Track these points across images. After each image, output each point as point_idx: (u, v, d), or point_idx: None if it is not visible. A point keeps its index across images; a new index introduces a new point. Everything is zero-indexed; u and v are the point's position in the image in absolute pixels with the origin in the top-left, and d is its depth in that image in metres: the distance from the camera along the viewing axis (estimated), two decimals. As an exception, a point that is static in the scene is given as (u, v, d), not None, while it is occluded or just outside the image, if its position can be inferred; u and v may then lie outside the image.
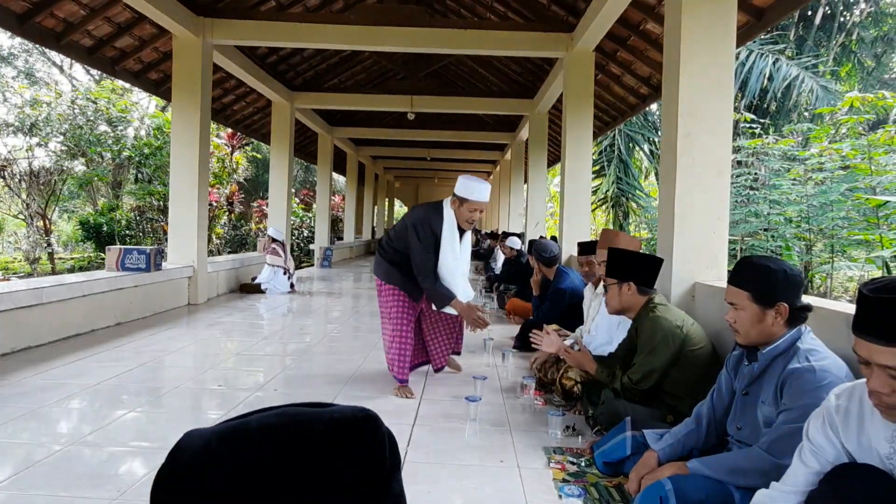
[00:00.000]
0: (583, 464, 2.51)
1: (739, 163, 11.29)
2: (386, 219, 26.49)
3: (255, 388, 3.61)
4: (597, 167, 15.81)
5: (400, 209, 31.97)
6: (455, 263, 3.46)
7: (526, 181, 11.31)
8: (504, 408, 3.32)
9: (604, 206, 16.04)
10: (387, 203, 26.48)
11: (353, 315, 6.80)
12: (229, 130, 13.89)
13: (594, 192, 15.96)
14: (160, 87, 8.32)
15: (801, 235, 9.23)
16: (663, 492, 1.84)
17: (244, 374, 4.02)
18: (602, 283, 4.06)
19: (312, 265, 13.93)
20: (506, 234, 8.71)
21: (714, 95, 3.42)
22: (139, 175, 14.72)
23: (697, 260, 3.39)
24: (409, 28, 7.07)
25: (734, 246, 9.24)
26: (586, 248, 4.17)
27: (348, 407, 0.59)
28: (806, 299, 1.95)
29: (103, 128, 13.62)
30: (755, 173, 10.85)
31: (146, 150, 13.37)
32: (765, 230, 9.77)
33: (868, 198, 5.88)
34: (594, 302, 4.17)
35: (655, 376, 2.64)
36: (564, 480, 2.38)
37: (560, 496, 2.25)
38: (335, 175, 21.44)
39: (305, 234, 18.09)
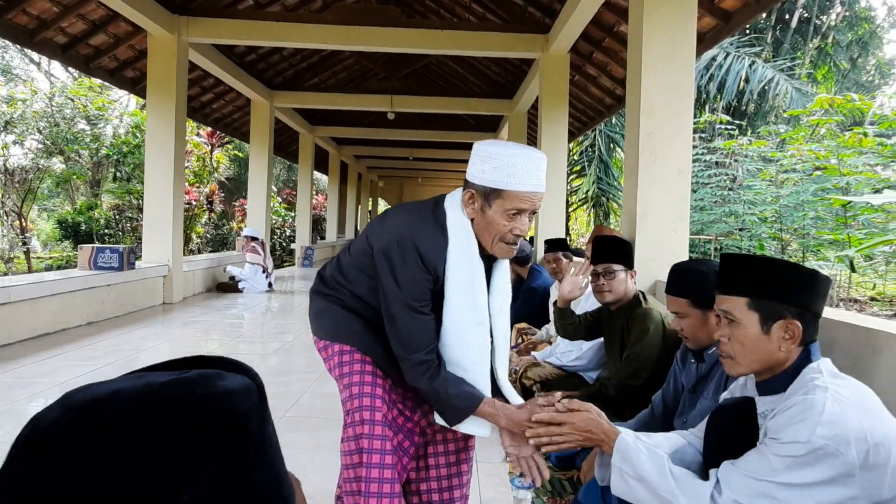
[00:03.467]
0: (539, 457, 2.56)
1: (716, 163, 11.46)
2: (369, 218, 26.47)
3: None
4: (577, 167, 15.93)
5: (384, 208, 31.94)
6: (476, 328, 1.71)
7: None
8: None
9: (585, 206, 16.17)
10: (370, 202, 26.46)
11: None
12: (209, 128, 13.80)
13: (574, 193, 16.08)
14: (137, 84, 8.27)
15: (775, 235, 9.39)
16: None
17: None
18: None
19: (294, 265, 13.90)
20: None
21: (675, 96, 3.49)
22: (118, 173, 14.59)
23: (658, 258, 3.46)
24: (387, 28, 7.09)
25: (708, 245, 9.38)
26: (553, 246, 4.21)
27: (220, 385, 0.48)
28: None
29: (82, 125, 13.49)
30: (733, 174, 11.02)
31: (125, 149, 13.25)
32: (740, 230, 9.94)
33: (834, 198, 6.01)
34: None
35: (647, 371, 2.62)
36: (521, 474, 2.43)
37: (511, 488, 2.29)
38: (319, 174, 21.41)
39: (288, 234, 18.03)
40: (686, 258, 3.50)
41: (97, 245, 6.09)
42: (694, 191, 12.12)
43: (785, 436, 1.22)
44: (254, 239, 8.10)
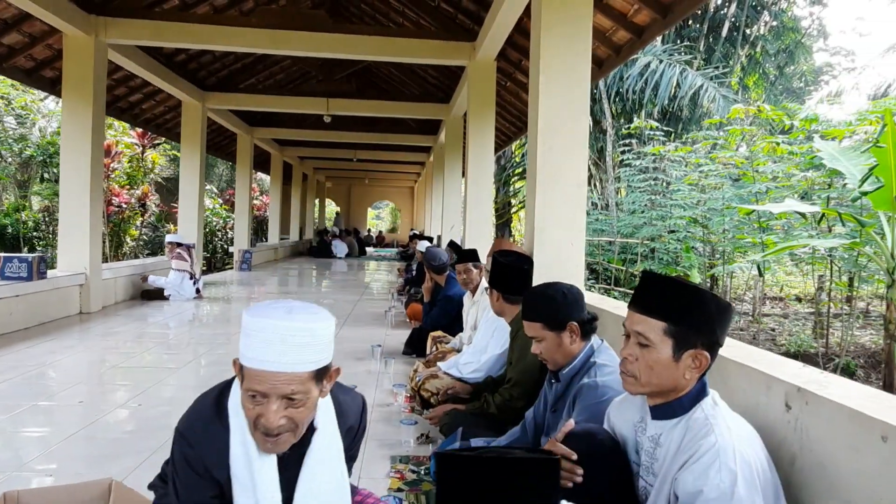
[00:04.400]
0: (422, 472, 2.61)
1: (654, 168, 11.81)
2: (316, 218, 26.16)
3: (117, 405, 3.53)
4: (519, 170, 16.15)
5: (331, 208, 31.60)
6: None
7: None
8: (371, 416, 3.38)
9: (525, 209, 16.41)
10: (317, 203, 26.15)
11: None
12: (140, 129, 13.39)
13: (515, 195, 16.30)
14: (56, 85, 7.92)
15: (703, 239, 9.76)
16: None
17: (117, 388, 3.92)
18: (481, 290, 4.21)
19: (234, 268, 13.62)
20: (417, 236, 8.79)
21: (571, 112, 3.59)
22: (45, 174, 14.00)
23: (556, 270, 3.55)
24: (315, 33, 7.03)
25: (636, 249, 9.66)
26: (464, 257, 4.28)
27: None
28: (591, 310, 2.12)
29: (10, 123, 12.89)
30: (666, 179, 11.38)
31: (51, 149, 12.72)
32: (670, 232, 10.28)
33: (738, 207, 6.30)
34: (472, 309, 4.30)
35: (527, 391, 2.70)
36: (399, 489, 2.47)
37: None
38: (264, 175, 21.00)
39: (230, 236, 17.64)
40: (582, 271, 3.61)
41: (4, 254, 5.82)
42: (626, 195, 12.47)
43: (709, 490, 1.23)
44: (179, 245, 7.90)
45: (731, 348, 1.86)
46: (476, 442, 2.36)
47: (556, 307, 2.04)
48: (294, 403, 1.27)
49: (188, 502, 1.35)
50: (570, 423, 1.52)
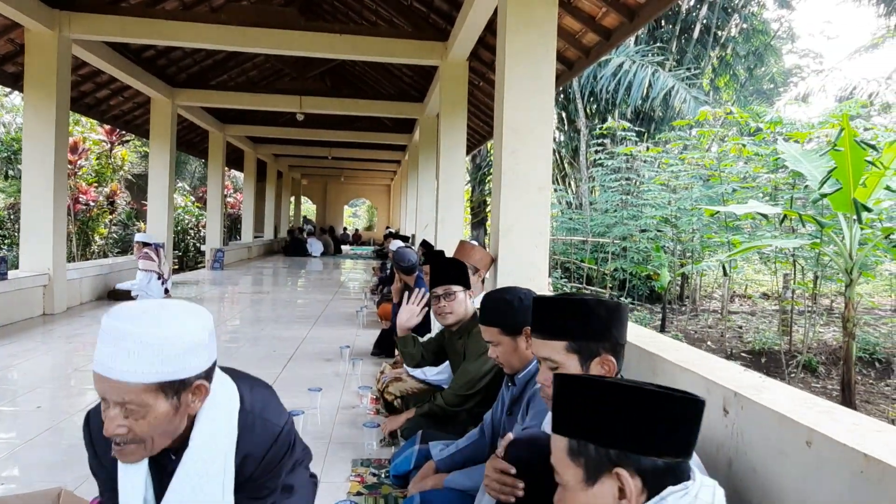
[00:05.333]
0: (382, 475, 2.62)
1: (627, 168, 11.94)
2: (291, 216, 25.94)
3: (77, 410, 3.48)
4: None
5: (307, 206, 31.40)
6: None
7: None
8: (335, 419, 3.39)
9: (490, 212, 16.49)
10: (292, 200, 25.93)
11: (227, 322, 6.64)
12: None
13: (490, 194, 16.33)
14: (19, 80, 7.73)
15: (673, 238, 9.91)
16: None
17: (77, 392, 3.85)
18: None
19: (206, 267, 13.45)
20: (392, 235, 8.78)
21: (536, 115, 3.62)
22: (10, 171, 13.67)
23: (520, 272, 3.59)
24: (285, 31, 6.97)
25: (608, 248, 9.77)
26: (430, 257, 4.28)
27: None
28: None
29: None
30: (638, 180, 11.52)
31: (16, 146, 12.42)
32: (642, 231, 10.42)
33: (704, 207, 6.42)
34: (440, 310, 4.30)
35: (482, 381, 2.75)
36: (359, 493, 2.48)
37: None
38: (238, 172, 20.76)
39: (203, 234, 17.42)
40: (546, 274, 3.65)
41: (-37, 255, 5.69)
42: (599, 195, 12.61)
43: None
44: (146, 244, 7.77)
45: (676, 352, 1.91)
46: (435, 445, 2.38)
47: (513, 312, 2.06)
48: (133, 414, 1.18)
49: (100, 484, 1.39)
50: (509, 437, 1.51)
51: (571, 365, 1.40)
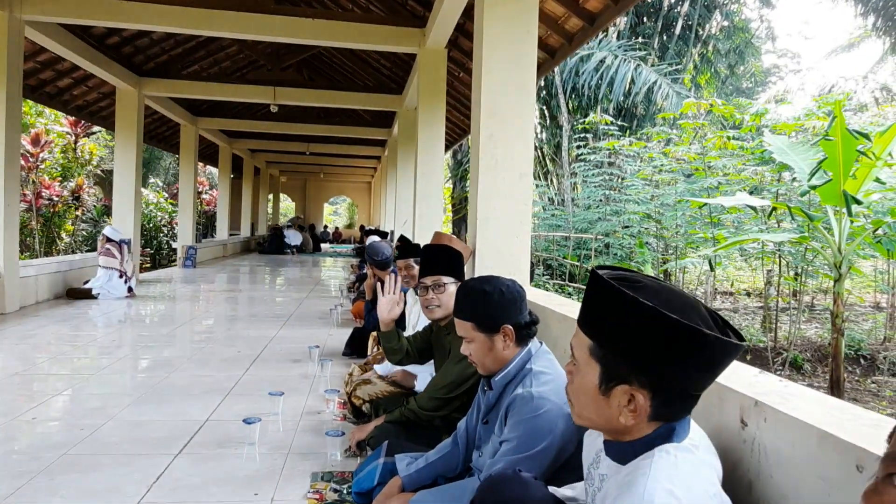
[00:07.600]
0: (344, 491, 2.33)
1: (609, 163, 11.77)
2: (270, 214, 25.44)
3: (10, 418, 3.13)
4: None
5: (286, 204, 30.88)
6: None
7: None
8: (297, 426, 3.09)
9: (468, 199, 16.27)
10: (271, 198, 25.43)
11: (193, 321, 6.28)
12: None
13: (472, 190, 16.10)
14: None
15: (656, 234, 9.74)
16: None
17: (14, 399, 3.50)
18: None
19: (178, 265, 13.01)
20: (368, 231, 8.48)
21: (516, 98, 3.36)
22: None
23: (500, 263, 3.33)
24: (252, 14, 6.63)
25: (589, 245, 9.58)
26: (405, 252, 4.00)
27: None
28: (533, 309, 1.87)
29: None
30: (621, 174, 11.35)
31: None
32: (625, 227, 10.24)
33: (692, 200, 6.23)
34: (415, 308, 4.02)
35: (464, 386, 2.47)
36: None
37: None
38: (214, 168, 20.22)
39: (176, 231, 16.92)
40: (528, 264, 3.39)
41: None
42: (581, 191, 12.42)
43: None
44: (110, 240, 7.38)
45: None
46: (402, 458, 2.10)
47: (492, 307, 1.79)
48: None
49: None
50: None
51: (589, 374, 1.07)
